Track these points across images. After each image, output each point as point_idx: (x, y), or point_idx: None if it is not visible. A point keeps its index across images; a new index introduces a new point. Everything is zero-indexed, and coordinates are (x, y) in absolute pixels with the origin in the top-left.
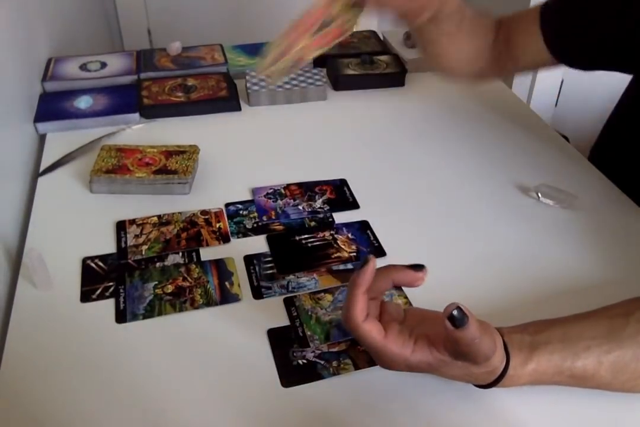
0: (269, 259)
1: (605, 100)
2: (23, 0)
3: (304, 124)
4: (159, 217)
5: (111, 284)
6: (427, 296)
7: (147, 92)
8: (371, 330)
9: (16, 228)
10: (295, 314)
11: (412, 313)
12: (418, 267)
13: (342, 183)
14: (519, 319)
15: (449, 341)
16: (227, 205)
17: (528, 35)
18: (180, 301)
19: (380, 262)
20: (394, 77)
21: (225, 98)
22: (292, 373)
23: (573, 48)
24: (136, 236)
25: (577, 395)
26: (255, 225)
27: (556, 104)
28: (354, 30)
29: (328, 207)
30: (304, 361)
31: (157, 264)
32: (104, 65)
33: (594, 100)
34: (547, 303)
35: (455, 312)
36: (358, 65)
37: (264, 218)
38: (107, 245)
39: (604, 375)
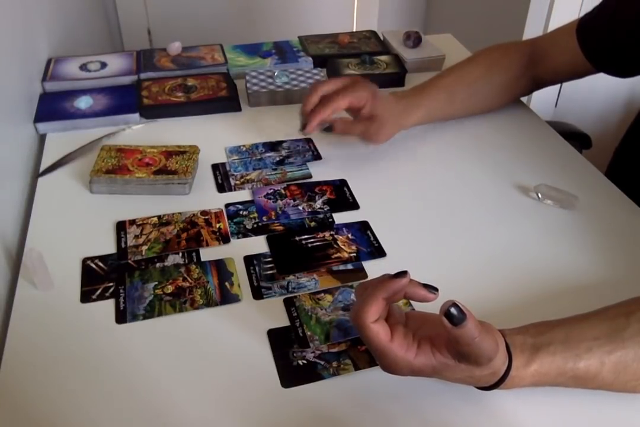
0: (269, 259)
1: (604, 101)
2: (23, 0)
3: None
4: (159, 217)
5: (111, 284)
6: None
7: (147, 92)
8: (379, 331)
9: (16, 228)
10: (295, 314)
11: (414, 316)
12: (433, 289)
13: (342, 183)
14: (519, 319)
15: (450, 342)
16: (227, 205)
17: (566, 50)
18: (180, 301)
19: (380, 262)
20: (394, 77)
21: (225, 98)
22: (292, 373)
23: (610, 56)
24: (136, 236)
25: (578, 396)
26: (255, 225)
27: (556, 104)
28: None
29: (328, 208)
30: (304, 362)
31: (157, 265)
32: (104, 65)
33: (593, 100)
34: (548, 303)
35: (452, 310)
36: (358, 65)
37: (264, 218)
38: (107, 245)
39: (607, 375)
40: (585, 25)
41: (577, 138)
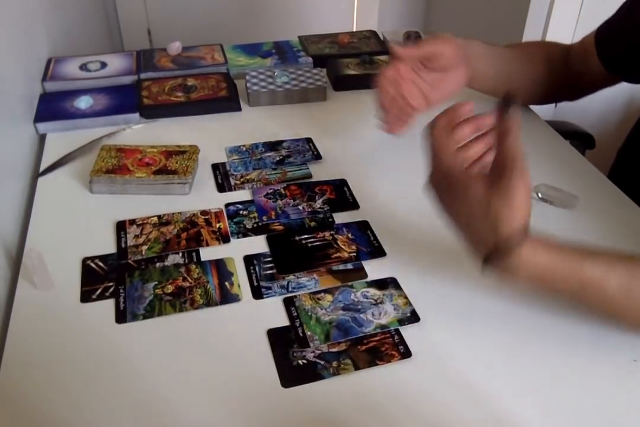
0: (269, 259)
1: (604, 102)
2: (23, 0)
3: (304, 124)
4: (159, 217)
5: (111, 284)
6: (427, 296)
7: (147, 92)
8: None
9: (16, 228)
10: (295, 314)
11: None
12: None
13: (342, 183)
14: (518, 319)
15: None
16: (227, 205)
17: (590, 56)
18: (180, 301)
19: (380, 262)
20: None
21: (225, 98)
22: (292, 373)
23: (624, 62)
24: (136, 236)
25: (578, 396)
26: (255, 225)
27: (556, 104)
28: None
29: (328, 208)
30: (304, 361)
31: (157, 264)
32: (104, 65)
33: (594, 100)
34: (548, 303)
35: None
36: (358, 65)
37: (264, 218)
38: (107, 245)
39: (615, 289)
40: (601, 32)
41: (580, 138)
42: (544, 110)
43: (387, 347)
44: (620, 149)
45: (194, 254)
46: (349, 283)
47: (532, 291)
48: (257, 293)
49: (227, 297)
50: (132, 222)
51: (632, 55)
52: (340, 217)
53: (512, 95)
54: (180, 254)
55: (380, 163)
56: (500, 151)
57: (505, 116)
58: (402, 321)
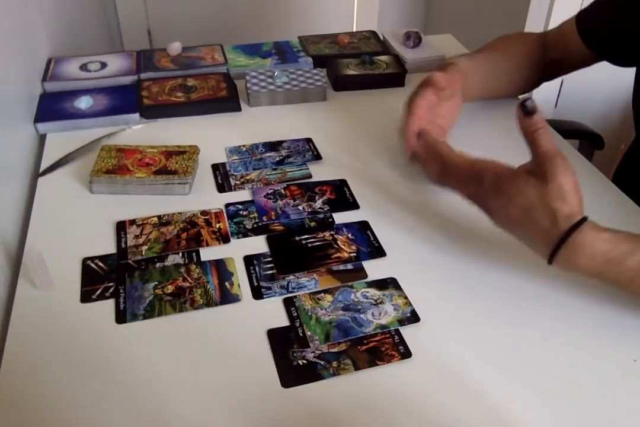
0: (269, 259)
1: (604, 101)
2: (23, 0)
3: (304, 124)
4: (159, 217)
5: (111, 284)
6: (427, 296)
7: (147, 93)
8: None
9: (16, 228)
10: (295, 314)
11: None
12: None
13: (342, 183)
14: (518, 319)
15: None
16: (227, 205)
17: (571, 39)
18: (180, 301)
19: (380, 262)
20: (394, 77)
21: (225, 98)
22: (292, 373)
23: (609, 44)
24: (136, 236)
25: (578, 396)
26: (255, 225)
27: (556, 105)
28: None
29: (328, 208)
30: (304, 362)
31: (157, 265)
32: (104, 65)
33: (593, 101)
34: (547, 304)
35: (527, 102)
36: (358, 66)
37: (264, 218)
38: (107, 245)
39: None
40: (583, 14)
41: (589, 138)
42: (544, 110)
43: (387, 347)
44: (626, 151)
45: (194, 254)
46: (349, 283)
47: (594, 277)
48: (257, 293)
49: (227, 297)
50: (132, 222)
51: (616, 37)
52: (340, 217)
53: (528, 100)
54: (180, 254)
55: (380, 163)
56: (535, 149)
57: (528, 117)
58: (402, 321)
